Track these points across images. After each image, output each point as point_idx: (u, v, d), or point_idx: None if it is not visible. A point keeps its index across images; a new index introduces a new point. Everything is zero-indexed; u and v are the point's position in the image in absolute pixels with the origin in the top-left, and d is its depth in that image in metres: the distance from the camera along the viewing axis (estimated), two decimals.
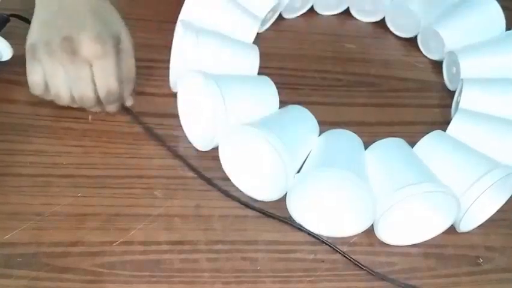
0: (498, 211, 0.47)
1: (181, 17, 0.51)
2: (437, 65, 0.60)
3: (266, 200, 0.44)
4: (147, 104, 0.49)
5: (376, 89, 0.57)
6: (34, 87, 0.44)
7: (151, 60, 0.53)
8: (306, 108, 0.50)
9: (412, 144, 0.48)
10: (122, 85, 0.45)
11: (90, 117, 0.47)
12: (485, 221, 0.47)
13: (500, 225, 0.47)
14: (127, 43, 0.46)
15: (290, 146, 0.42)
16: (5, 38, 0.48)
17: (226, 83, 0.44)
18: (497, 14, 0.58)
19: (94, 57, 0.42)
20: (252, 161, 0.44)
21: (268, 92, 0.48)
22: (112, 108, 0.46)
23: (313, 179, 0.41)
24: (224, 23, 0.52)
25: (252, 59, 0.50)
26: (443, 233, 0.44)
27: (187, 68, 0.46)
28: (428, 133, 0.48)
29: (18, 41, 0.46)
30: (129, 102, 0.48)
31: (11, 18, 0.51)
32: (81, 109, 0.47)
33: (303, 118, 0.47)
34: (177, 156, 0.46)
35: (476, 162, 0.43)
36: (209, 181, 0.45)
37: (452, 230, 0.45)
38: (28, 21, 0.46)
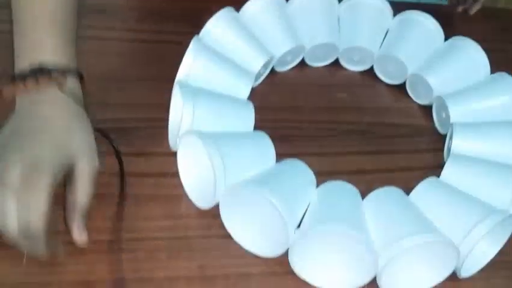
0: (498, 254, 0.48)
1: (178, 77, 0.53)
2: (427, 110, 0.61)
3: (268, 257, 0.44)
4: (147, 164, 0.50)
5: (369, 136, 0.58)
6: None
7: (150, 119, 0.54)
8: (302, 159, 0.51)
9: (408, 190, 0.49)
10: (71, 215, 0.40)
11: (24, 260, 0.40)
12: (486, 265, 0.47)
13: (501, 268, 0.48)
14: (83, 168, 0.40)
15: (289, 201, 0.43)
16: None
17: (223, 141, 0.46)
18: (481, 58, 0.60)
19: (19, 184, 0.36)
20: (252, 218, 0.45)
21: (264, 147, 0.49)
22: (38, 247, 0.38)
23: (314, 235, 0.42)
24: (219, 81, 0.54)
25: (247, 116, 0.52)
26: (445, 280, 0.45)
27: (185, 127, 0.48)
28: (422, 178, 0.50)
29: None
30: (77, 236, 0.41)
31: None
32: None
33: (300, 171, 0.48)
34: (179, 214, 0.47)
35: (471, 209, 0.44)
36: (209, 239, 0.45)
37: (453, 276, 0.45)
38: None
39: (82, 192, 0.41)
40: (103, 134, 0.51)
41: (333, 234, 0.42)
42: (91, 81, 0.57)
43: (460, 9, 0.70)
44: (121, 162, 0.49)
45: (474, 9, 0.69)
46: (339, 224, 0.41)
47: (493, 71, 0.61)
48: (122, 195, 0.47)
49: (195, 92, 0.49)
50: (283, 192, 0.42)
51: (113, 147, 0.50)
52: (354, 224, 0.42)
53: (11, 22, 0.47)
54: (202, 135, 0.45)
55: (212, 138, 0.45)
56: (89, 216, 0.45)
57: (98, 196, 0.47)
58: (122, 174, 0.48)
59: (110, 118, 0.54)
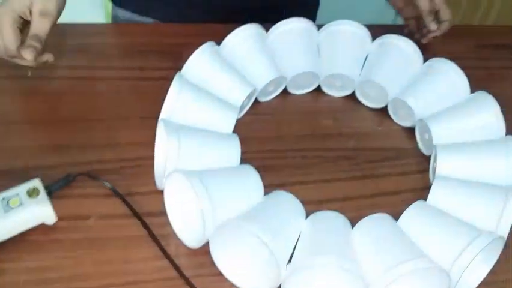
0: (489, 274, 0.48)
1: (162, 114, 0.53)
2: (411, 131, 0.62)
3: None
4: (134, 204, 0.50)
5: (355, 162, 0.59)
6: None
7: (136, 158, 0.54)
8: (289, 189, 0.51)
9: (397, 213, 0.50)
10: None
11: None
12: (479, 285, 0.47)
13: None
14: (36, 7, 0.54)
15: (279, 237, 0.43)
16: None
17: (210, 179, 0.46)
18: (460, 78, 0.61)
19: None
20: (243, 255, 0.44)
21: (251, 180, 0.49)
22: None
23: (305, 269, 0.42)
24: (204, 116, 0.55)
25: (233, 149, 0.52)
26: None
27: (171, 165, 0.48)
28: (410, 201, 0.50)
29: None
30: (25, 54, 0.53)
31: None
32: (69, 218, 0.48)
33: (288, 204, 0.48)
34: (168, 258, 0.46)
35: (459, 233, 0.45)
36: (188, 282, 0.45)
37: None
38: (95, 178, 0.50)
39: (34, 24, 0.55)
40: (92, 177, 0.51)
41: (324, 267, 0.42)
42: (74, 123, 0.58)
43: (416, 36, 0.70)
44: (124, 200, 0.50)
45: (427, 40, 0.69)
46: (331, 257, 0.41)
47: (471, 89, 0.62)
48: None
49: (180, 129, 0.49)
50: (273, 228, 0.43)
51: (112, 189, 0.50)
52: (343, 254, 0.42)
53: None
54: (188, 174, 0.45)
55: (198, 177, 0.45)
56: (78, 262, 0.45)
57: (86, 241, 0.47)
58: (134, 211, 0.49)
59: (95, 160, 0.54)
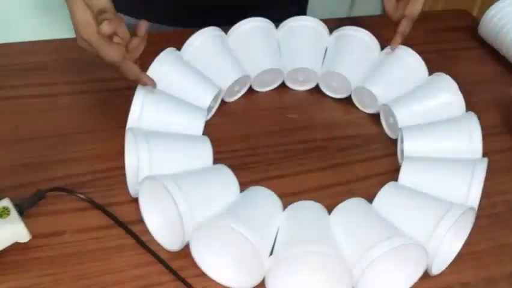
0: (464, 246, 0.50)
1: (129, 123, 0.53)
2: (376, 118, 0.64)
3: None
4: (109, 216, 0.49)
5: (325, 152, 0.60)
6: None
7: (106, 169, 0.54)
8: (265, 184, 0.52)
9: (370, 197, 0.51)
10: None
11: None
12: (455, 259, 0.49)
13: (469, 259, 0.50)
14: None
15: (258, 229, 0.43)
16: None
17: (185, 181, 0.46)
18: (417, 63, 0.63)
19: None
20: (225, 252, 0.45)
21: (226, 179, 0.49)
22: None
23: (287, 259, 0.42)
24: (172, 121, 0.54)
25: (205, 151, 0.52)
26: (419, 280, 0.46)
27: (144, 172, 0.47)
28: (382, 184, 0.51)
29: None
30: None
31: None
32: (43, 236, 0.47)
33: (265, 198, 0.48)
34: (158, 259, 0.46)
35: (431, 208, 0.46)
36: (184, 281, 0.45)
37: (426, 275, 0.47)
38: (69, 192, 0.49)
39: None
40: (66, 191, 0.50)
41: (306, 256, 0.42)
42: (40, 140, 0.57)
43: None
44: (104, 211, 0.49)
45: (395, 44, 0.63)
46: (312, 245, 0.41)
47: (431, 72, 0.64)
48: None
49: (149, 135, 0.49)
50: (251, 221, 0.43)
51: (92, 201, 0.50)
52: (323, 241, 0.42)
53: None
54: (163, 178, 0.44)
55: (173, 180, 0.45)
56: (57, 279, 0.44)
57: (63, 256, 0.46)
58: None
59: (65, 175, 0.53)
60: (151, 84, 0.52)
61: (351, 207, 0.48)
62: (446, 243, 0.47)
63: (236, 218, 0.42)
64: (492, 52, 0.78)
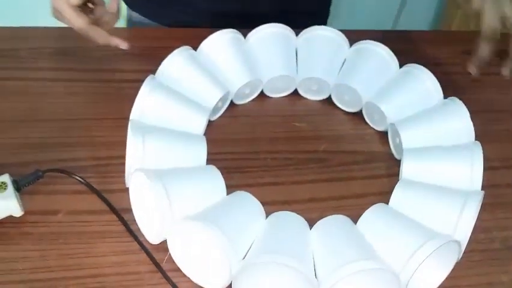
0: (449, 278, 0.48)
1: (131, 116, 0.55)
2: (384, 136, 0.63)
3: None
4: (103, 201, 0.52)
5: (325, 164, 0.59)
6: None
7: (108, 157, 0.56)
8: (257, 190, 0.52)
9: (360, 216, 0.50)
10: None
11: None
12: None
13: None
14: None
15: (231, 233, 0.44)
16: None
17: (170, 178, 0.47)
18: (433, 85, 0.61)
19: None
20: (198, 252, 0.46)
21: (214, 180, 0.50)
22: None
23: (254, 267, 0.43)
24: (174, 118, 0.56)
25: (199, 150, 0.53)
26: None
27: (135, 165, 0.49)
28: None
29: None
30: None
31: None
32: (38, 213, 0.50)
33: (246, 203, 0.49)
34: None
35: (413, 235, 0.45)
36: (164, 274, 0.46)
37: None
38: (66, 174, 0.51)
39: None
40: (63, 173, 0.52)
41: (274, 266, 0.43)
42: (51, 122, 0.60)
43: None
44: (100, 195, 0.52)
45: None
46: (279, 256, 0.42)
47: (455, 95, 0.61)
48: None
49: (146, 129, 0.51)
50: (228, 225, 0.44)
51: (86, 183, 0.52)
52: (294, 255, 0.42)
53: None
54: (149, 172, 0.46)
55: (158, 175, 0.46)
56: (43, 255, 0.47)
57: (53, 235, 0.49)
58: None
59: (69, 158, 0.56)
60: (123, 45, 0.55)
61: (333, 223, 0.48)
62: (426, 273, 0.46)
63: (209, 220, 0.43)
64: None
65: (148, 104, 0.55)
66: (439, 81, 0.63)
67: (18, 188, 0.49)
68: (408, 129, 0.57)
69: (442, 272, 0.47)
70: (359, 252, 0.44)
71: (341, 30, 0.69)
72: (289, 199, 0.55)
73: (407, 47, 0.75)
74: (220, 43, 0.63)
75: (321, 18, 0.86)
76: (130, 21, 0.85)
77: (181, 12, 0.78)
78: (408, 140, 0.57)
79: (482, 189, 0.51)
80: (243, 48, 0.65)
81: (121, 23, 0.88)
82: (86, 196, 0.52)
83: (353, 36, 0.69)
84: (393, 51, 0.66)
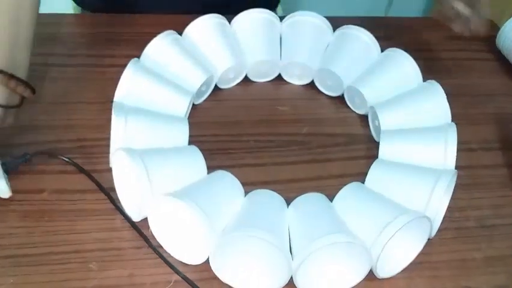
0: (421, 254, 0.50)
1: (115, 98, 0.56)
2: (365, 119, 0.64)
3: (195, 264, 0.47)
4: (87, 180, 0.53)
5: (306, 146, 0.61)
6: None
7: (94, 139, 0.58)
8: (238, 171, 0.54)
9: None
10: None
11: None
12: (410, 265, 0.49)
13: (424, 268, 0.50)
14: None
15: (212, 211, 0.45)
16: None
17: (151, 156, 0.49)
18: (413, 69, 0.63)
19: None
20: (178, 227, 0.47)
21: (195, 160, 0.52)
22: None
23: (231, 240, 0.44)
24: (157, 100, 0.57)
25: (181, 131, 0.55)
26: (368, 280, 0.47)
27: (117, 144, 0.51)
28: None
29: None
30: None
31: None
32: (25, 192, 0.51)
33: (226, 182, 0.50)
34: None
35: (385, 211, 0.47)
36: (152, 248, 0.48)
37: (376, 278, 0.47)
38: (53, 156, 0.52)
39: None
40: (50, 155, 0.54)
41: (249, 239, 0.44)
42: (36, 104, 0.61)
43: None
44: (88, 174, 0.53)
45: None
46: (254, 230, 0.43)
47: (437, 79, 0.62)
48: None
49: (129, 111, 0.52)
50: (203, 201, 0.45)
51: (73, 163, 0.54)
52: (269, 229, 0.44)
53: None
54: (129, 151, 0.48)
55: (139, 154, 0.48)
56: (28, 232, 0.49)
57: (38, 212, 0.51)
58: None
59: (55, 139, 0.57)
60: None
61: (308, 200, 0.50)
62: (397, 249, 0.47)
63: (188, 196, 0.45)
64: (507, 65, 0.75)
65: (132, 86, 0.56)
66: (422, 65, 0.64)
67: (6, 170, 0.50)
68: (387, 111, 0.59)
69: (414, 249, 0.49)
70: (331, 227, 0.45)
71: (328, 17, 0.70)
72: (270, 180, 0.56)
73: (392, 33, 0.76)
74: (205, 28, 0.65)
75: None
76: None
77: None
78: (387, 122, 0.58)
79: (458, 170, 0.53)
80: (227, 33, 0.66)
81: None
82: (71, 176, 0.54)
83: (339, 23, 0.70)
84: (379, 37, 0.67)
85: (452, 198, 0.51)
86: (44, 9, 0.67)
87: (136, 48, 0.65)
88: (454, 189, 0.51)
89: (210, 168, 0.53)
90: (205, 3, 0.70)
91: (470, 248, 0.52)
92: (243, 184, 0.52)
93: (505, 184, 0.58)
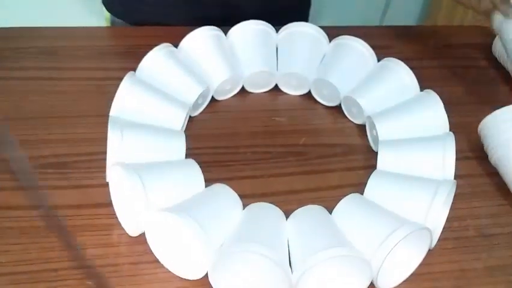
0: (422, 265, 0.49)
1: (111, 112, 0.56)
2: (362, 129, 0.64)
3: (192, 279, 0.46)
4: (83, 196, 0.53)
5: (304, 157, 0.60)
6: None
7: (90, 153, 0.57)
8: (236, 183, 0.54)
9: None
10: None
11: None
12: (410, 276, 0.49)
13: (424, 279, 0.49)
14: None
15: (210, 225, 0.45)
16: None
17: (148, 170, 0.48)
18: (410, 78, 0.63)
19: None
20: (176, 242, 0.47)
21: (192, 173, 0.51)
22: None
23: (229, 255, 0.44)
24: (153, 114, 0.57)
25: (178, 145, 0.54)
26: None
27: (113, 159, 0.50)
28: None
29: None
30: None
31: None
32: (19, 208, 0.51)
33: (223, 195, 0.50)
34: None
35: (385, 223, 0.46)
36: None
37: None
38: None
39: None
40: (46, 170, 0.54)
41: (248, 255, 0.44)
42: (36, 120, 0.61)
43: None
44: None
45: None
46: (252, 245, 0.43)
47: (432, 87, 0.62)
48: None
49: (125, 125, 0.52)
50: (201, 215, 0.45)
51: None
52: (268, 244, 0.43)
53: None
54: (126, 166, 0.47)
55: (135, 168, 0.47)
56: (25, 248, 0.48)
57: (32, 229, 0.50)
58: None
59: (50, 154, 0.57)
60: None
61: (307, 213, 0.49)
62: (397, 261, 0.47)
63: (185, 211, 0.44)
64: (503, 73, 0.75)
65: (128, 100, 0.56)
66: (418, 74, 0.64)
67: None
68: (384, 121, 0.59)
69: (414, 260, 0.48)
70: (331, 240, 0.45)
71: (324, 27, 0.70)
72: (268, 191, 0.56)
73: (388, 43, 0.77)
74: (201, 40, 0.65)
75: (303, 14, 0.87)
76: (113, 24, 0.86)
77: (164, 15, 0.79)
78: (384, 132, 0.58)
79: (456, 179, 0.52)
80: (223, 44, 0.66)
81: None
82: (67, 191, 0.53)
83: (335, 33, 0.70)
84: (375, 46, 0.68)
85: (451, 208, 0.51)
86: (33, 23, 0.67)
87: (130, 61, 0.65)
88: (452, 199, 0.51)
89: (208, 181, 0.53)
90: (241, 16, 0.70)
91: (470, 258, 0.52)
92: (241, 197, 0.52)
93: (503, 192, 0.58)
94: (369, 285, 0.46)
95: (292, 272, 0.44)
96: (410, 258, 0.48)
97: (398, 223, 0.46)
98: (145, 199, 0.46)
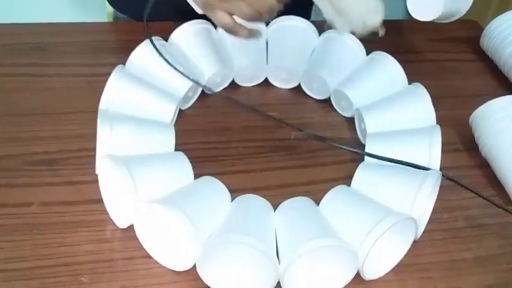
0: (411, 256, 0.50)
1: (101, 105, 0.56)
2: (352, 122, 0.64)
3: (182, 270, 0.47)
4: (75, 192, 0.53)
5: (295, 151, 0.61)
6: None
7: (81, 150, 0.57)
8: (228, 178, 0.54)
9: None
10: None
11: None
12: (401, 267, 0.49)
13: (415, 270, 0.50)
14: None
15: (198, 217, 0.45)
16: None
17: (137, 163, 0.48)
18: (398, 71, 0.63)
19: None
20: (164, 234, 0.47)
21: (180, 166, 0.52)
22: None
23: (217, 246, 0.44)
24: (142, 106, 0.57)
25: (167, 138, 0.54)
26: (361, 283, 0.47)
27: (102, 152, 0.50)
28: None
29: None
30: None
31: None
32: (12, 205, 0.51)
33: (212, 187, 0.50)
34: None
35: (371, 214, 0.47)
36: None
37: (366, 280, 0.48)
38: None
39: None
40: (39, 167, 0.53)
41: (235, 245, 0.44)
42: (24, 116, 0.61)
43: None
44: None
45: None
46: (239, 236, 0.43)
47: (422, 81, 0.62)
48: None
49: (114, 117, 0.52)
50: (189, 207, 0.45)
51: None
52: (255, 235, 0.44)
53: None
54: (115, 158, 0.47)
55: (124, 161, 0.47)
56: (17, 245, 0.48)
57: (27, 226, 0.50)
58: None
59: (42, 151, 0.57)
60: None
61: (295, 205, 0.50)
62: (384, 251, 0.48)
63: (173, 203, 0.44)
64: (491, 66, 0.76)
65: (117, 93, 0.56)
66: (407, 68, 0.65)
67: None
68: (372, 114, 0.59)
69: (400, 250, 0.49)
70: (318, 231, 0.45)
71: (314, 21, 0.70)
72: (259, 186, 0.56)
73: (377, 36, 0.77)
74: (190, 33, 0.65)
75: (305, 10, 0.86)
76: (116, 19, 0.85)
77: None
78: (372, 124, 0.59)
79: (446, 171, 0.53)
80: (213, 38, 0.66)
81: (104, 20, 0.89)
82: (59, 188, 0.53)
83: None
84: (364, 40, 0.68)
85: (441, 199, 0.52)
86: (23, 19, 0.66)
87: (122, 56, 0.65)
88: (442, 190, 0.52)
89: (199, 176, 0.53)
90: None
91: (460, 249, 0.53)
92: (233, 191, 0.53)
93: (493, 184, 0.59)
94: (356, 275, 0.47)
95: (279, 263, 0.44)
96: (395, 248, 0.49)
97: (384, 214, 0.46)
98: (134, 191, 0.46)
